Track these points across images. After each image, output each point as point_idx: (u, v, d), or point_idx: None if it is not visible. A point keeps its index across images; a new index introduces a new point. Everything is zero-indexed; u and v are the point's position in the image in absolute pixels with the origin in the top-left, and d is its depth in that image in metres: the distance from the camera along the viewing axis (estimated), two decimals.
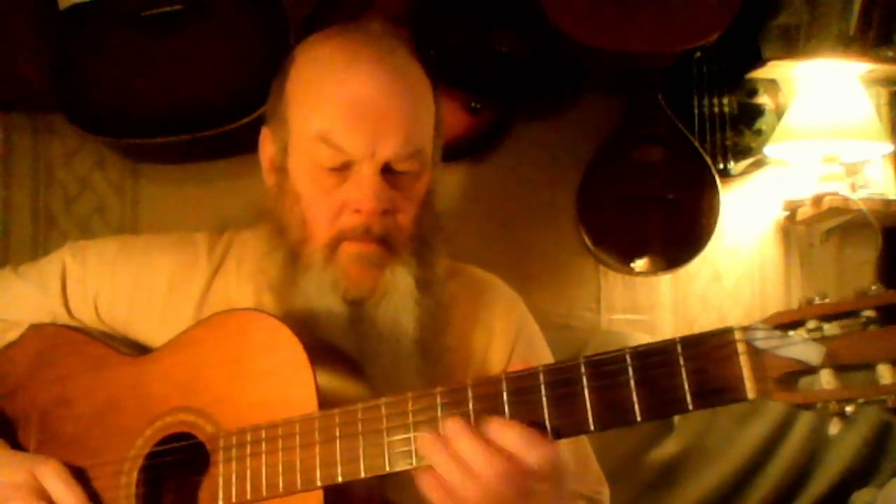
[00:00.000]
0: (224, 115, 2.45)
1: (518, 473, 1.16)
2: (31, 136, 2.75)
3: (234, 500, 1.33)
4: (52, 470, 1.41)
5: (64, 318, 1.63)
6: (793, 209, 2.82)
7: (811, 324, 1.05)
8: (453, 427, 1.18)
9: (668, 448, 2.58)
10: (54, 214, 2.74)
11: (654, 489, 2.56)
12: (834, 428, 1.05)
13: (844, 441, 2.55)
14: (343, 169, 1.45)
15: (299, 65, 1.53)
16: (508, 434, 1.16)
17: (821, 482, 2.56)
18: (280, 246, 1.52)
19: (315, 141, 1.45)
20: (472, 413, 1.20)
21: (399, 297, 1.48)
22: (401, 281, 1.47)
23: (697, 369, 1.10)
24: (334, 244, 1.47)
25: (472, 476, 1.16)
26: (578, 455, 1.64)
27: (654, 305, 2.85)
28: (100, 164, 2.76)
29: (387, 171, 1.45)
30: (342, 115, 1.44)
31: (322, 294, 1.46)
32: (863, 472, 2.54)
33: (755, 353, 1.07)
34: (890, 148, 2.70)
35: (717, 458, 2.58)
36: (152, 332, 1.58)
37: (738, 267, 2.88)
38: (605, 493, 1.68)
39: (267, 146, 1.58)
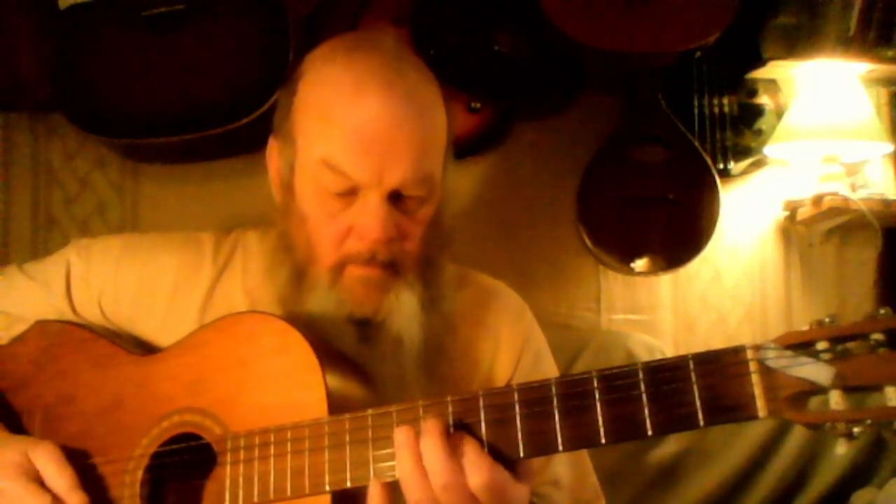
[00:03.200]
0: (225, 114, 2.45)
1: (459, 489, 1.18)
2: (31, 136, 2.75)
3: (240, 502, 1.33)
4: (45, 451, 1.39)
5: (69, 316, 1.62)
6: (793, 209, 2.83)
7: (821, 345, 1.06)
8: (430, 426, 1.21)
9: (667, 448, 2.58)
10: (54, 214, 2.74)
11: (654, 489, 2.57)
12: (841, 448, 1.06)
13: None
14: (349, 194, 1.42)
15: (307, 83, 1.49)
16: (464, 450, 1.19)
17: (820, 482, 2.57)
18: (286, 263, 1.50)
19: (320, 165, 1.42)
20: (483, 424, 1.21)
21: (403, 319, 1.46)
22: (405, 303, 1.46)
23: (709, 386, 1.11)
24: (339, 267, 1.45)
25: (423, 477, 1.19)
26: (577, 468, 1.64)
27: (654, 305, 2.86)
28: (100, 164, 2.76)
29: (395, 196, 1.43)
30: (349, 141, 1.40)
31: (327, 313, 1.45)
32: (862, 472, 2.55)
33: (767, 371, 1.08)
34: (890, 148, 2.70)
35: (717, 458, 2.59)
36: (156, 331, 1.57)
37: (738, 267, 2.89)
38: None
39: (274, 159, 1.56)
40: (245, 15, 2.50)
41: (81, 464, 1.45)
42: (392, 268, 1.45)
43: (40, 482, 1.38)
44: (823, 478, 2.56)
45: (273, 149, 1.57)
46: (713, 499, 2.57)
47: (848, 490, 2.53)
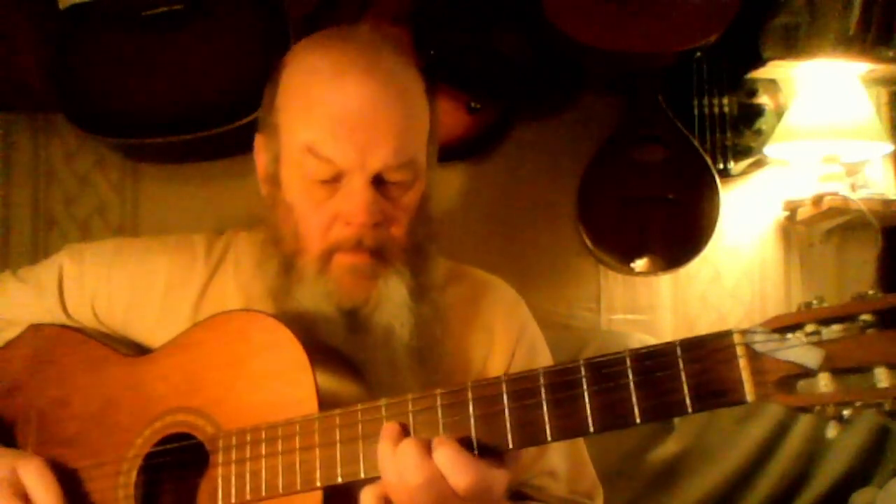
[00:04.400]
0: (224, 115, 2.45)
1: (437, 487, 1.18)
2: (31, 136, 2.75)
3: (233, 500, 1.34)
4: (33, 468, 1.40)
5: (62, 319, 1.63)
6: (793, 209, 2.82)
7: (810, 327, 1.06)
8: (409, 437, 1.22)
9: (668, 448, 2.58)
10: (54, 214, 2.74)
11: (654, 489, 2.57)
12: (832, 431, 1.05)
13: (844, 441, 2.56)
14: (334, 181, 1.43)
15: (288, 74, 1.51)
16: (440, 452, 1.19)
17: (821, 482, 2.56)
18: (274, 255, 1.51)
19: (304, 153, 1.43)
20: (472, 417, 1.21)
21: (393, 307, 1.46)
22: (394, 291, 1.46)
23: (697, 372, 1.10)
24: (327, 256, 1.45)
25: (403, 481, 1.19)
26: (574, 459, 1.64)
27: (654, 305, 2.85)
28: (100, 164, 2.76)
29: (378, 181, 1.43)
30: (330, 126, 1.41)
31: (317, 304, 1.46)
32: (863, 472, 2.55)
33: (754, 356, 1.07)
34: (890, 148, 2.70)
35: (717, 458, 2.58)
36: (149, 333, 1.58)
37: (738, 267, 2.88)
38: (599, 500, 1.68)
39: (260, 154, 1.58)
40: (245, 15, 2.50)
41: (76, 466, 1.46)
42: (379, 254, 1.45)
43: (27, 499, 1.39)
44: (823, 478, 2.56)
45: (259, 144, 1.58)
46: (713, 499, 2.57)
47: (848, 490, 2.53)
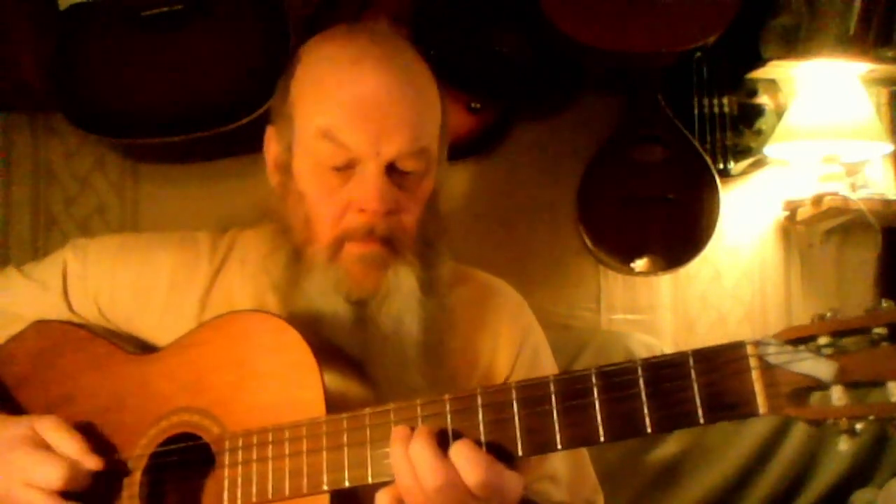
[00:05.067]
0: (224, 114, 2.45)
1: (454, 489, 1.18)
2: (31, 136, 2.75)
3: (238, 502, 1.33)
4: (49, 422, 1.40)
5: (66, 316, 1.62)
6: (793, 209, 2.83)
7: (823, 339, 1.05)
8: (419, 431, 1.21)
9: (668, 448, 2.58)
10: (54, 214, 2.73)
11: (654, 489, 2.57)
12: (843, 444, 1.05)
13: None
14: (347, 168, 1.44)
15: (305, 63, 1.52)
16: (457, 448, 1.19)
17: (821, 482, 2.57)
18: (283, 246, 1.51)
19: (319, 138, 1.44)
20: (481, 423, 1.20)
21: (402, 298, 1.46)
22: (404, 281, 1.46)
23: (709, 383, 1.10)
24: (338, 244, 1.45)
25: (418, 482, 1.19)
26: (575, 464, 1.64)
27: (654, 305, 2.86)
28: (100, 164, 2.75)
29: (392, 170, 1.44)
30: (347, 112, 1.42)
31: (325, 295, 1.45)
32: (862, 472, 2.55)
33: (767, 367, 1.07)
34: (890, 148, 2.70)
35: (717, 458, 2.59)
36: (153, 330, 1.57)
37: (738, 267, 2.89)
38: (600, 502, 1.69)
39: (272, 145, 1.57)
40: (245, 15, 2.49)
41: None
42: (390, 244, 1.45)
43: (48, 449, 1.38)
44: (823, 478, 2.56)
45: (270, 136, 1.58)
46: (713, 498, 2.57)
47: (848, 490, 2.53)
